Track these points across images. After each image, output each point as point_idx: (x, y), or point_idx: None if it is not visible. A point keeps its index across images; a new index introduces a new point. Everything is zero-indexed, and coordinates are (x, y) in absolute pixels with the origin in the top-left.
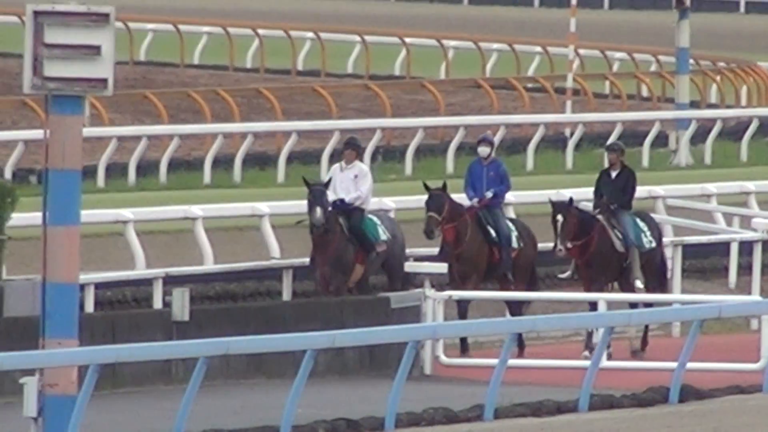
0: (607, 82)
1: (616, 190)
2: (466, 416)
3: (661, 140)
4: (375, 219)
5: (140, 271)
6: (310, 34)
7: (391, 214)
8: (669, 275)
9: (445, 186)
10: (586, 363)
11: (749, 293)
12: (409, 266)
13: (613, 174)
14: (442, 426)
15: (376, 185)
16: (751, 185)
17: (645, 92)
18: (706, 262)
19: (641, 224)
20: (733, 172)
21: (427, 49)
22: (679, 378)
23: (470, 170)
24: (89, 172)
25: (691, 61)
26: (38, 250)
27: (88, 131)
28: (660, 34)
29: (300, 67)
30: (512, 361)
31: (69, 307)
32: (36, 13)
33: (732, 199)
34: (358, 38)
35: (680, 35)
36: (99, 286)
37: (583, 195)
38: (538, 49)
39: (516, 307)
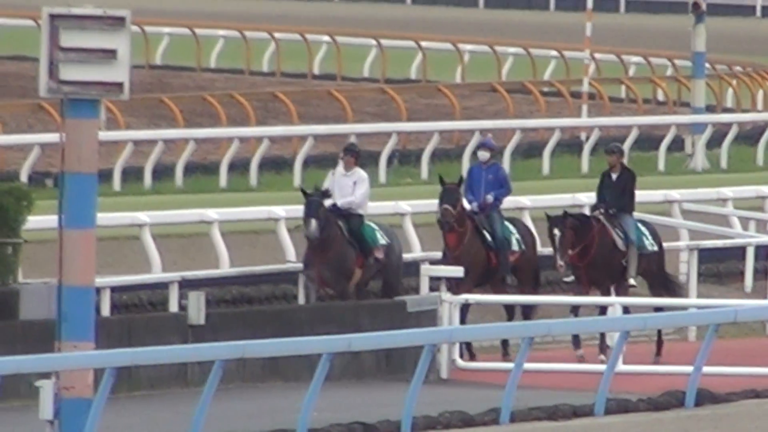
0: (623, 87)
1: (618, 192)
2: (482, 420)
3: (677, 144)
4: (373, 225)
5: (156, 274)
6: (326, 38)
7: (407, 218)
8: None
9: (461, 181)
10: (602, 367)
11: (765, 297)
12: (426, 270)
13: (614, 176)
14: (458, 429)
15: (391, 189)
16: (767, 189)
17: (661, 96)
18: (722, 267)
19: (642, 228)
20: (749, 177)
21: (443, 53)
22: (695, 382)
23: (470, 174)
24: (105, 176)
25: (707, 65)
26: (54, 254)
27: (104, 135)
28: (676, 38)
29: (316, 70)
30: (528, 365)
31: (85, 310)
32: (52, 17)
33: (748, 204)
34: (374, 42)
35: (696, 39)
36: (115, 289)
37: None
38: (554, 53)
39: (528, 311)
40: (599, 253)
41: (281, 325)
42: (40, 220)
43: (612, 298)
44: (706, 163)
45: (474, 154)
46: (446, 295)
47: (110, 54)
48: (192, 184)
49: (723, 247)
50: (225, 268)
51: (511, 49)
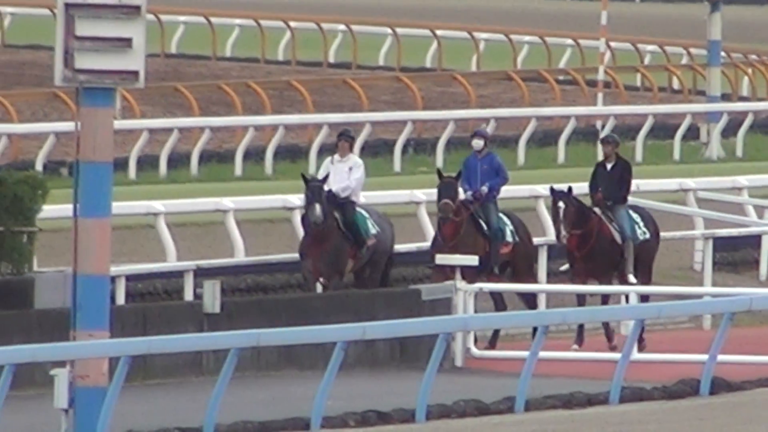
0: (639, 75)
1: (612, 182)
2: (497, 408)
3: (692, 133)
4: (364, 213)
5: (171, 263)
6: (342, 27)
7: (422, 207)
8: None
9: (459, 175)
10: (617, 356)
11: None
12: (440, 259)
13: (609, 166)
14: (473, 418)
15: (406, 178)
16: None
17: (676, 85)
18: (737, 255)
19: (635, 216)
20: (765, 165)
21: (459, 42)
22: (710, 370)
23: (465, 164)
24: (120, 165)
25: (723, 53)
26: (69, 242)
27: (119, 123)
28: (691, 26)
29: (331, 59)
30: (543, 353)
31: (100, 299)
32: (67, 6)
33: (763, 192)
34: (389, 30)
35: (712, 28)
36: (130, 278)
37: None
38: (570, 41)
39: (531, 301)
40: (597, 245)
41: (296, 314)
42: (55, 209)
43: (627, 287)
44: (721, 151)
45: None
46: (461, 284)
47: (125, 42)
48: (207, 172)
49: (738, 236)
50: (240, 256)
51: (527, 38)
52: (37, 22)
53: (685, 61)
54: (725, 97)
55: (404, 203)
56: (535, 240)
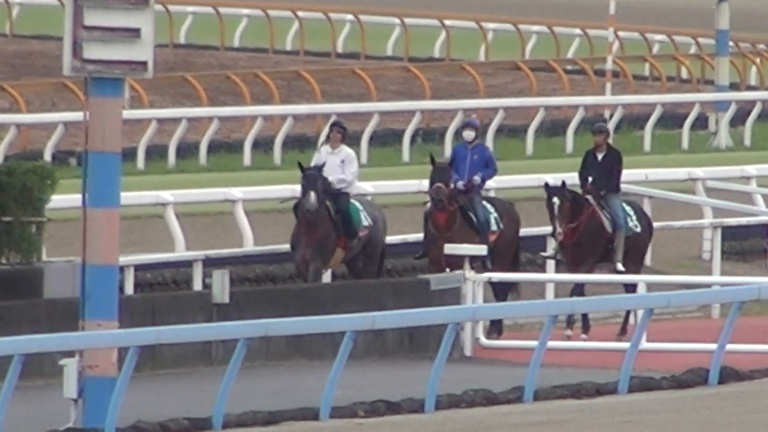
0: (647, 65)
1: (603, 172)
2: (505, 398)
3: (700, 122)
4: (358, 205)
5: (180, 253)
6: (350, 17)
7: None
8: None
9: (451, 162)
10: (626, 345)
11: None
12: (449, 248)
13: (599, 156)
14: (482, 408)
15: (415, 167)
16: None
17: (684, 74)
18: (745, 244)
19: (628, 209)
20: None
21: (467, 32)
22: (718, 360)
23: (454, 153)
24: (129, 155)
25: (731, 43)
26: (78, 232)
27: (128, 113)
28: (699, 16)
29: (340, 49)
30: (551, 343)
31: (109, 288)
32: None
33: None
34: (397, 21)
35: (720, 17)
36: (139, 268)
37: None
38: (578, 31)
39: (501, 292)
40: (586, 232)
41: (305, 304)
42: (64, 199)
43: (636, 276)
44: (729, 140)
45: (497, 131)
46: (470, 273)
47: (134, 33)
48: (216, 162)
49: (746, 225)
50: (249, 246)
51: (535, 27)
52: (46, 12)
53: (693, 50)
54: (733, 87)
55: (413, 193)
56: (541, 229)
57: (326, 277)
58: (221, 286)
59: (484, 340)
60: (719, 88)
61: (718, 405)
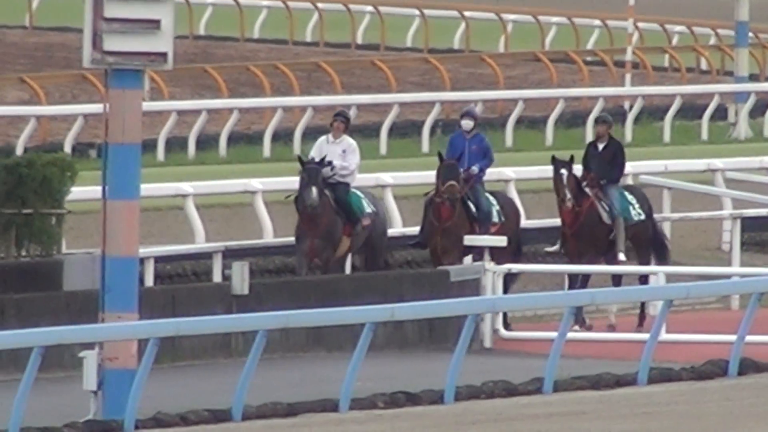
0: (667, 56)
1: (604, 162)
2: (525, 389)
3: (720, 113)
4: (359, 193)
5: (200, 244)
6: (370, 8)
7: None
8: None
9: (459, 158)
10: (645, 336)
11: None
12: (469, 240)
13: (600, 147)
14: (502, 399)
15: (434, 159)
16: None
17: (704, 65)
18: (765, 235)
19: (629, 197)
20: None
21: (486, 23)
22: (738, 351)
23: (451, 143)
24: (149, 146)
25: (750, 34)
26: (98, 224)
27: (148, 105)
28: (719, 7)
29: (359, 40)
30: (571, 335)
31: (129, 280)
32: None
33: None
34: (417, 12)
35: (739, 9)
36: (159, 259)
37: (643, 168)
38: (598, 22)
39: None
40: (586, 223)
41: (324, 295)
42: (83, 191)
43: (655, 267)
44: (749, 131)
45: (516, 123)
46: (490, 265)
47: (154, 24)
48: (236, 154)
49: (766, 216)
50: (268, 238)
51: (555, 19)
52: (66, 4)
53: (713, 41)
54: (753, 78)
55: (430, 184)
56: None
57: (345, 268)
58: (241, 278)
59: (503, 332)
60: (738, 79)
61: (737, 396)
